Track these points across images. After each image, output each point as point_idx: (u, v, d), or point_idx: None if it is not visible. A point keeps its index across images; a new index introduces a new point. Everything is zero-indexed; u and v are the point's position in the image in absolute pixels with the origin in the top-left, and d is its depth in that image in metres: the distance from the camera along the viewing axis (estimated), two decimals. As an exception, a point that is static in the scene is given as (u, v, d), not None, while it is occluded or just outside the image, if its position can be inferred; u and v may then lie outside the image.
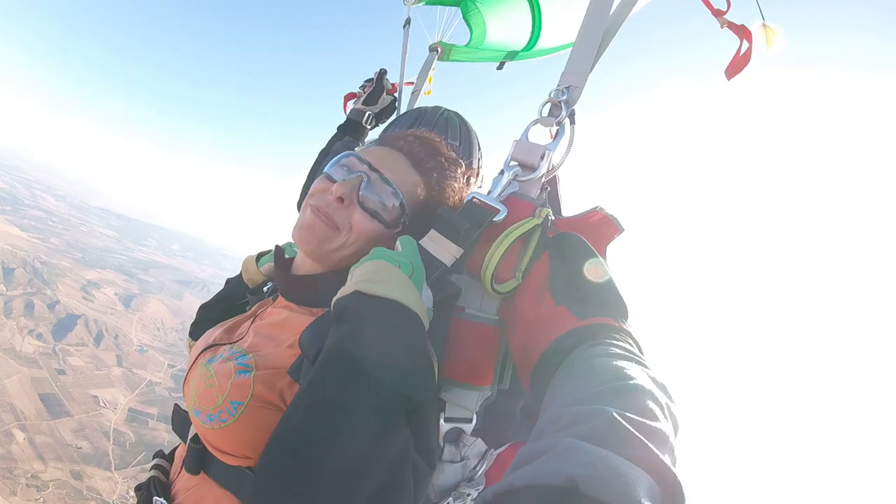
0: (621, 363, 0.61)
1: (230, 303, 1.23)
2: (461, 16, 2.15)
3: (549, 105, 1.00)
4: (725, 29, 1.15)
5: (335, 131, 1.93)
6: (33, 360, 72.38)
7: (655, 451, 0.42)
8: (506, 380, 0.94)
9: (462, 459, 0.96)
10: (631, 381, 0.55)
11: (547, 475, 0.38)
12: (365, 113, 1.87)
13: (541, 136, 1.01)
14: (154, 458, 1.06)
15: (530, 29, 2.10)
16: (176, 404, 1.00)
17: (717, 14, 1.14)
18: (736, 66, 1.15)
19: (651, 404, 0.51)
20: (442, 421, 0.89)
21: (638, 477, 0.38)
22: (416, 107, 1.80)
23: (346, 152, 1.01)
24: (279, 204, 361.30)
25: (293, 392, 0.79)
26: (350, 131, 1.90)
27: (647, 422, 0.47)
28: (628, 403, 0.50)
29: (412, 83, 2.12)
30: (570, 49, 1.06)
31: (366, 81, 1.92)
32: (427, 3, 2.19)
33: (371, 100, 1.85)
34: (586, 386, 0.58)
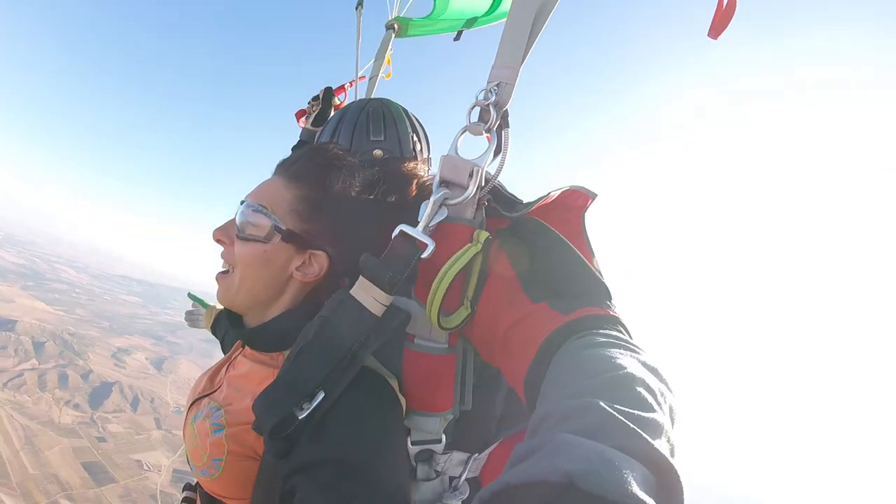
0: (611, 352, 0.60)
1: None
2: None
3: (477, 109, 0.88)
4: None
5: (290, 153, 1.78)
6: (73, 431, 71.51)
7: (649, 440, 0.41)
8: (467, 401, 0.92)
9: (438, 475, 0.95)
10: (622, 371, 0.55)
11: (542, 472, 0.37)
12: (315, 133, 1.75)
13: (476, 144, 0.90)
14: (184, 490, 1.16)
15: None
16: None
17: None
18: (721, 21, 1.06)
19: (644, 393, 0.51)
20: (410, 444, 0.89)
21: (633, 468, 0.37)
22: (355, 100, 1.74)
23: None
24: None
25: (261, 443, 0.83)
26: None
27: (641, 412, 0.46)
28: (621, 394, 0.50)
29: (364, 77, 1.99)
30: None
31: (312, 99, 1.85)
32: None
33: (319, 120, 1.77)
34: (577, 379, 0.57)
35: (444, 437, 0.92)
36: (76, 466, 64.56)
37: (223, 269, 0.96)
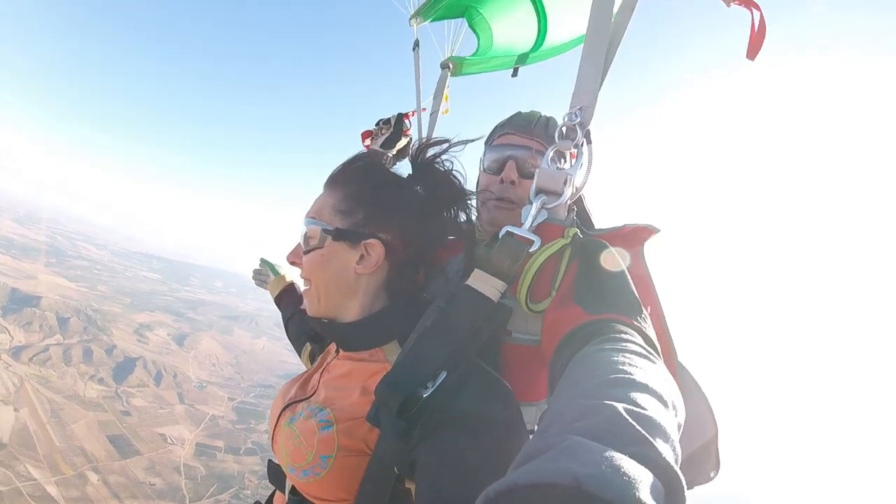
0: (629, 357, 0.62)
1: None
2: (467, 25, 2.14)
3: (564, 128, 1.02)
4: (732, 7, 1.14)
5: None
6: (98, 404, 72.70)
7: (659, 448, 0.41)
8: None
9: None
10: (637, 377, 0.55)
11: (551, 474, 0.36)
12: (383, 155, 1.88)
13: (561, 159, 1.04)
14: None
15: (536, 26, 2.02)
16: (270, 460, 1.08)
17: None
18: (755, 43, 1.13)
19: (656, 400, 0.51)
20: None
21: (642, 475, 0.36)
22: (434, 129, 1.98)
23: None
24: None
25: (374, 436, 0.83)
26: None
27: (653, 417, 0.46)
28: (633, 398, 0.50)
29: (425, 110, 2.06)
30: (580, 45, 1.08)
31: (382, 123, 1.93)
32: (433, 20, 2.13)
33: (389, 144, 1.88)
34: (592, 380, 0.58)
35: (536, 426, 0.98)
36: (101, 439, 65.64)
37: (305, 287, 1.03)
